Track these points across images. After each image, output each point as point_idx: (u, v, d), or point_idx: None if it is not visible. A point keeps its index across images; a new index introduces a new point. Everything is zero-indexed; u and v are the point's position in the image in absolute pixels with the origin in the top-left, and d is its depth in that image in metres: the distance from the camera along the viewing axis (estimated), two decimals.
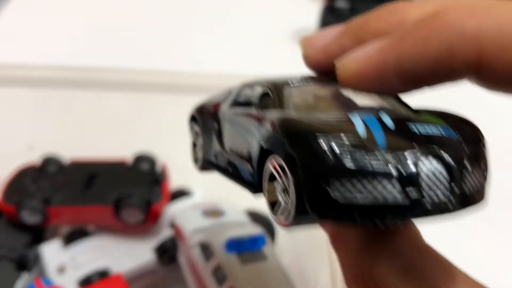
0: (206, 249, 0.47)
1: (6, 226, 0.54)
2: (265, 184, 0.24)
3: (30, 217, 0.53)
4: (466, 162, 0.23)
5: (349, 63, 0.25)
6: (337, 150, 0.21)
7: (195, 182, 0.62)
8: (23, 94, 0.58)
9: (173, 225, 0.53)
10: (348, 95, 0.27)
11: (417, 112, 0.26)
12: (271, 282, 0.44)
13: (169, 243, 0.54)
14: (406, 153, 0.21)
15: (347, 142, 0.21)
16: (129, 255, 0.54)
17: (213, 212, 0.53)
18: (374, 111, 0.25)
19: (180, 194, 0.60)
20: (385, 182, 0.21)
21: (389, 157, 0.21)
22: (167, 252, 0.54)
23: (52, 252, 0.54)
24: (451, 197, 0.22)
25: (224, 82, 0.55)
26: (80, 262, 0.52)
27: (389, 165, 0.21)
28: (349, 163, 0.20)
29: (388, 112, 0.25)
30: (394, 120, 0.23)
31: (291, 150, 0.22)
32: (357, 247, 0.25)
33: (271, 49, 0.96)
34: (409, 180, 0.21)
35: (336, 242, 0.26)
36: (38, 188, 0.54)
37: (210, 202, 0.56)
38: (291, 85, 0.28)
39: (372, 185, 0.21)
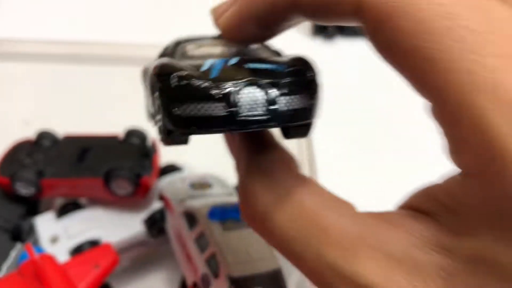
0: (190, 217, 0.48)
1: (2, 199, 0.56)
2: (156, 115, 0.31)
3: (24, 189, 0.54)
4: (281, 88, 0.29)
5: (222, 20, 0.31)
6: (177, 82, 0.29)
7: (185, 158, 0.64)
8: (18, 69, 0.59)
9: (161, 197, 0.54)
10: (230, 47, 0.35)
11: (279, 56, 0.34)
12: (253, 248, 0.44)
13: (157, 215, 0.55)
14: (229, 81, 0.29)
15: (184, 75, 0.29)
16: (120, 226, 0.55)
17: (201, 185, 0.55)
18: (231, 56, 0.32)
19: (170, 169, 0.61)
20: (208, 102, 0.28)
21: (213, 84, 0.29)
22: (156, 224, 0.55)
23: (45, 223, 0.55)
24: (266, 114, 0.29)
25: None
26: (72, 232, 0.54)
27: (212, 89, 0.28)
28: (184, 90, 0.29)
29: (242, 56, 0.31)
30: (238, 60, 0.30)
31: (158, 86, 0.29)
32: (242, 174, 0.30)
33: None
34: (227, 99, 0.28)
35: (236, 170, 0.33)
36: (32, 161, 0.56)
37: (198, 175, 0.57)
38: (188, 41, 0.37)
39: (200, 105, 0.29)
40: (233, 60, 0.30)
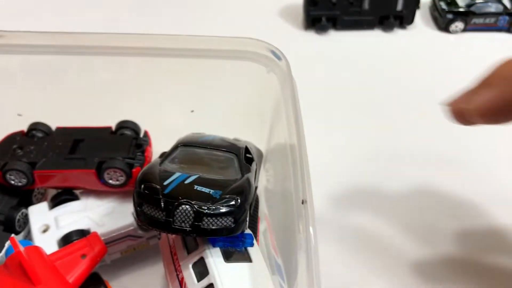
0: (189, 238, 0.45)
1: None
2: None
3: (15, 180, 0.52)
4: (207, 210, 0.40)
5: (475, 105, 0.40)
6: (143, 190, 0.42)
7: None
8: (11, 61, 0.57)
9: None
10: (209, 159, 0.47)
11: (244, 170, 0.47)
12: (255, 284, 0.41)
13: None
14: (174, 200, 0.40)
15: (148, 186, 0.42)
16: (111, 218, 0.53)
17: None
18: (197, 172, 0.44)
19: None
20: (153, 209, 0.41)
21: (163, 198, 0.41)
22: None
23: (38, 213, 0.53)
24: (191, 228, 0.40)
25: (209, 45, 0.54)
26: (63, 223, 0.52)
27: (161, 202, 0.41)
28: (142, 198, 0.42)
29: (201, 174, 0.43)
30: (194, 179, 0.42)
31: (135, 188, 0.44)
32: None
33: (259, 23, 0.95)
34: (167, 210, 0.40)
35: None
36: (24, 153, 0.54)
37: None
38: (185, 145, 0.49)
39: (148, 209, 0.42)
40: (192, 178, 0.43)
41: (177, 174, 0.43)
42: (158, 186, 0.41)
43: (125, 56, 0.58)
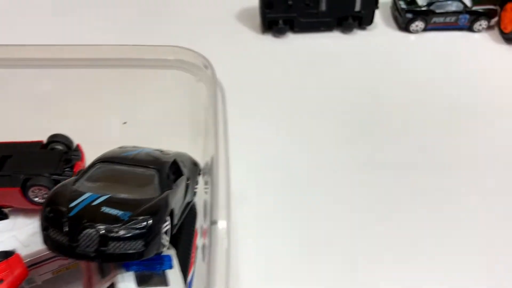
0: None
1: None
2: None
3: None
4: (112, 234, 0.38)
5: None
6: (47, 213, 0.39)
7: None
8: None
9: None
10: (127, 177, 0.44)
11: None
12: None
13: None
14: (78, 223, 0.38)
15: (54, 209, 0.39)
16: (39, 237, 0.50)
17: None
18: (107, 192, 0.41)
19: None
20: (58, 233, 0.38)
21: (67, 222, 0.38)
22: None
23: None
24: (94, 251, 0.38)
25: (137, 54, 0.51)
26: None
27: (64, 225, 0.38)
28: (48, 221, 0.39)
29: (113, 194, 0.41)
30: (104, 199, 0.40)
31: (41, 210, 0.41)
32: None
33: (215, 28, 0.92)
34: (72, 234, 0.38)
35: None
36: None
37: None
38: (102, 162, 0.46)
39: (53, 233, 0.39)
40: (101, 199, 0.40)
41: (86, 195, 0.40)
42: (64, 209, 0.39)
43: (56, 68, 0.55)
